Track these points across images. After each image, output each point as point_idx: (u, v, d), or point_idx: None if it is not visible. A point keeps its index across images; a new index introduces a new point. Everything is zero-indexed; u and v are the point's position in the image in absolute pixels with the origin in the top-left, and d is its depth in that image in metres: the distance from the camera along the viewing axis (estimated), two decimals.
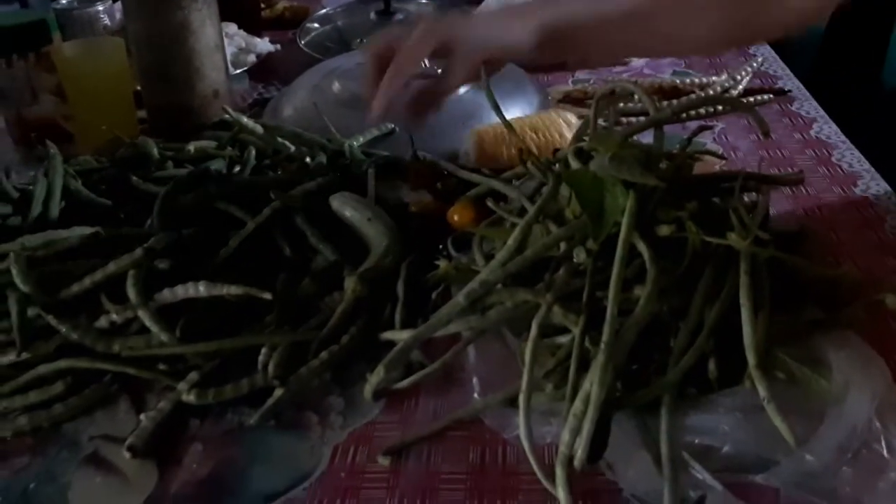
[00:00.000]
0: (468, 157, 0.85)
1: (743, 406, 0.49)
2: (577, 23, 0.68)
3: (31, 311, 0.61)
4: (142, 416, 0.56)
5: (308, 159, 0.78)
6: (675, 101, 0.91)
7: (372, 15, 1.22)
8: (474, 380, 0.55)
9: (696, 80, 1.01)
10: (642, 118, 0.93)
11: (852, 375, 0.48)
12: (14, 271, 0.62)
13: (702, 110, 0.94)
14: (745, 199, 0.64)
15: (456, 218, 0.73)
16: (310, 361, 0.57)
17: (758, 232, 0.52)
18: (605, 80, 1.07)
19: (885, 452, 0.45)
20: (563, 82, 1.09)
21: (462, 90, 0.93)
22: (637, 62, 1.13)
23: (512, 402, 0.52)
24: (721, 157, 0.75)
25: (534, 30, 0.67)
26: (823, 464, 0.46)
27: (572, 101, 1.02)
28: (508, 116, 0.88)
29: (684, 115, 0.71)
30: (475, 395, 0.54)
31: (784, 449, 0.46)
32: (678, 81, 1.01)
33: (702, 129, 0.67)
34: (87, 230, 0.68)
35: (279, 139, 0.83)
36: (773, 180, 0.66)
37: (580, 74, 1.11)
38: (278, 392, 0.55)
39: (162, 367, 0.59)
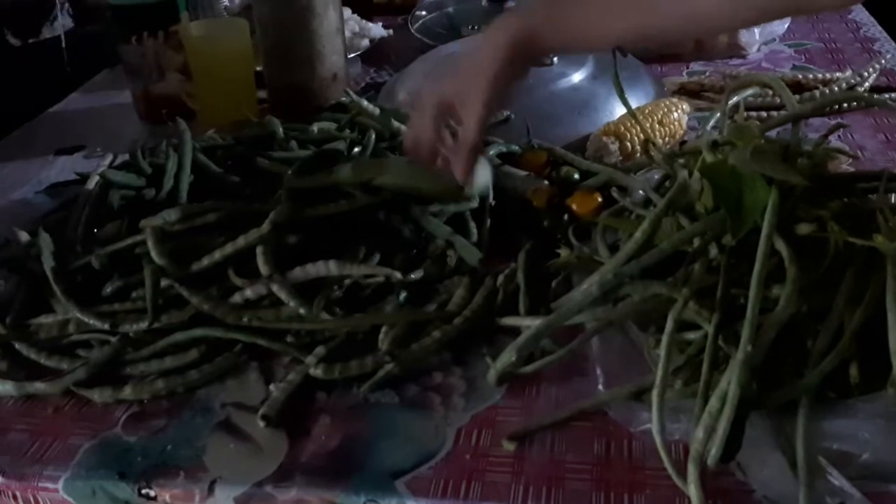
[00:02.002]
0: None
1: (885, 413, 0.47)
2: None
3: (165, 283, 0.64)
4: (272, 387, 0.58)
5: None
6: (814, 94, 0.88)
7: (484, 2, 1.22)
8: (598, 371, 0.55)
9: (819, 76, 0.98)
10: (775, 113, 0.91)
11: None
12: (150, 244, 0.65)
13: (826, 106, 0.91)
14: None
15: (575, 207, 0.73)
16: (422, 339, 0.58)
17: None
18: (721, 72, 1.04)
19: None
20: (677, 73, 1.07)
21: (578, 79, 0.93)
22: (755, 55, 1.10)
23: (638, 396, 0.51)
24: (852, 156, 0.72)
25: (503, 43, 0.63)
26: None
27: (687, 92, 1.00)
28: (622, 108, 0.88)
29: (826, 109, 0.68)
30: (599, 386, 0.54)
31: None
32: (801, 76, 0.98)
33: (838, 126, 0.65)
34: (225, 204, 0.70)
35: (395, 122, 0.84)
36: None
37: (695, 66, 1.09)
38: (388, 366, 0.57)
39: (290, 339, 0.61)
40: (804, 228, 0.53)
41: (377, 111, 0.86)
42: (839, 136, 0.87)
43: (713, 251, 0.55)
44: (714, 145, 0.60)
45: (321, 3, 0.90)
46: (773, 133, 0.66)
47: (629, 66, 0.98)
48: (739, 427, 0.46)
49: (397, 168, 0.71)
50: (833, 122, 0.89)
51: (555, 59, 0.94)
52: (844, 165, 0.80)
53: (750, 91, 0.76)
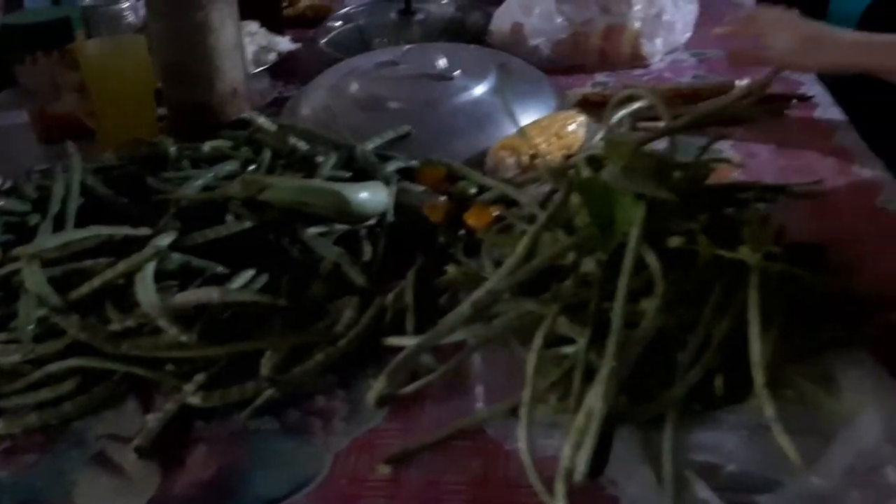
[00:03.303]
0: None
1: (749, 424, 0.48)
2: None
3: (42, 311, 0.62)
4: (148, 417, 0.56)
5: (321, 159, 0.78)
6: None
7: (393, 14, 1.22)
8: (479, 389, 0.55)
9: (717, 86, 1.00)
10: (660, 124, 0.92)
11: (864, 397, 0.48)
12: (25, 272, 0.63)
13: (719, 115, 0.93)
14: (763, 209, 0.64)
15: (471, 221, 0.73)
16: (304, 363, 0.57)
17: (769, 246, 0.51)
18: (624, 83, 1.06)
19: (894, 478, 0.44)
20: (582, 84, 1.08)
21: (479, 92, 0.93)
22: (658, 65, 1.12)
23: (515, 413, 0.51)
24: (737, 165, 0.74)
25: None
26: (830, 486, 0.45)
27: (590, 103, 1.01)
28: (524, 120, 0.89)
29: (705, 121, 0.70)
30: (479, 404, 0.54)
31: (790, 470, 0.45)
32: (698, 86, 1.00)
33: (718, 137, 0.66)
34: (104, 230, 0.68)
35: (293, 139, 0.83)
36: (790, 192, 0.65)
37: (600, 77, 1.10)
38: (268, 392, 0.56)
39: (170, 367, 0.59)
40: (674, 241, 0.54)
41: (274, 128, 0.85)
42: (733, 144, 0.89)
43: (590, 266, 0.55)
44: (591, 160, 0.61)
45: (218, 19, 0.89)
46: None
47: (531, 79, 1.00)
48: (606, 442, 0.46)
49: (286, 184, 0.70)
50: (727, 132, 0.92)
51: (456, 72, 0.94)
52: (735, 174, 0.81)
53: (638, 103, 0.77)
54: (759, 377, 0.47)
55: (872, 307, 0.56)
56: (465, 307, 0.52)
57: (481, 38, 1.16)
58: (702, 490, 0.46)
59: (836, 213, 0.75)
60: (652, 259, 0.52)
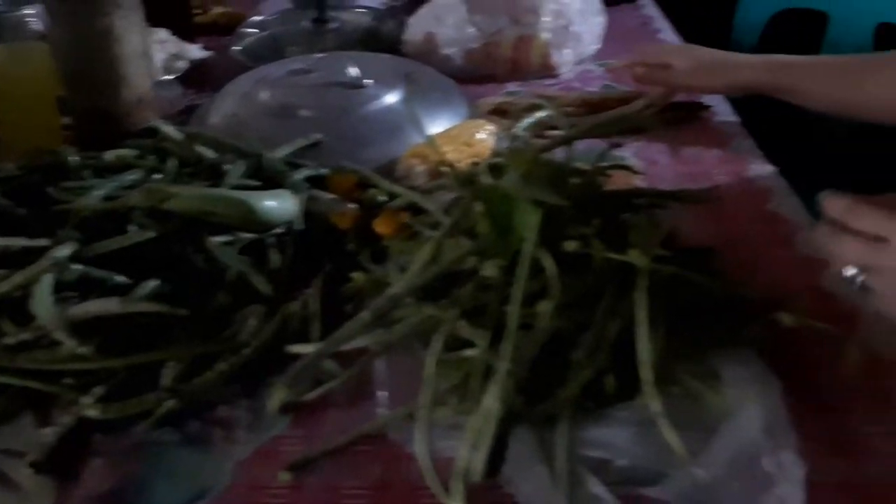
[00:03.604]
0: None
1: (639, 420, 0.50)
2: None
3: None
4: (44, 431, 0.55)
5: (229, 168, 0.78)
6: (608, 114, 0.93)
7: (307, 23, 1.22)
8: (382, 393, 0.56)
9: (622, 96, 1.03)
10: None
11: (745, 391, 0.50)
12: None
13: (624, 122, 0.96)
14: (659, 215, 0.66)
15: (380, 229, 0.74)
16: (206, 373, 0.57)
17: (657, 249, 0.54)
18: (535, 93, 1.08)
19: (771, 468, 0.47)
20: (494, 93, 1.10)
21: (391, 101, 0.94)
22: (567, 74, 1.15)
23: (415, 417, 0.52)
24: (635, 171, 0.76)
25: None
26: (713, 477, 0.47)
27: (501, 112, 1.03)
28: (434, 128, 0.90)
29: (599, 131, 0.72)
30: (382, 408, 0.55)
31: (676, 462, 0.48)
32: (603, 96, 1.03)
33: (613, 146, 0.69)
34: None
35: (201, 147, 0.82)
36: (682, 197, 0.68)
37: (511, 86, 1.12)
38: (168, 403, 0.55)
39: (68, 381, 0.58)
40: (570, 246, 0.56)
41: (181, 136, 0.84)
42: (636, 151, 0.92)
43: (491, 271, 0.57)
44: (493, 168, 0.63)
45: (122, 26, 0.87)
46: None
47: (442, 87, 1.01)
48: (502, 442, 0.48)
49: (190, 193, 0.70)
50: (632, 139, 0.95)
51: (368, 81, 0.95)
52: (636, 180, 0.84)
53: (542, 113, 0.80)
54: (646, 375, 0.49)
55: (759, 308, 0.59)
56: (365, 314, 0.53)
57: (396, 48, 1.17)
58: (594, 486, 0.48)
59: (730, 218, 0.79)
60: (548, 263, 0.54)
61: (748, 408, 0.49)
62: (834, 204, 0.53)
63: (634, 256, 0.53)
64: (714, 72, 0.94)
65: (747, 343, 0.55)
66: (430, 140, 0.82)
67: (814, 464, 0.47)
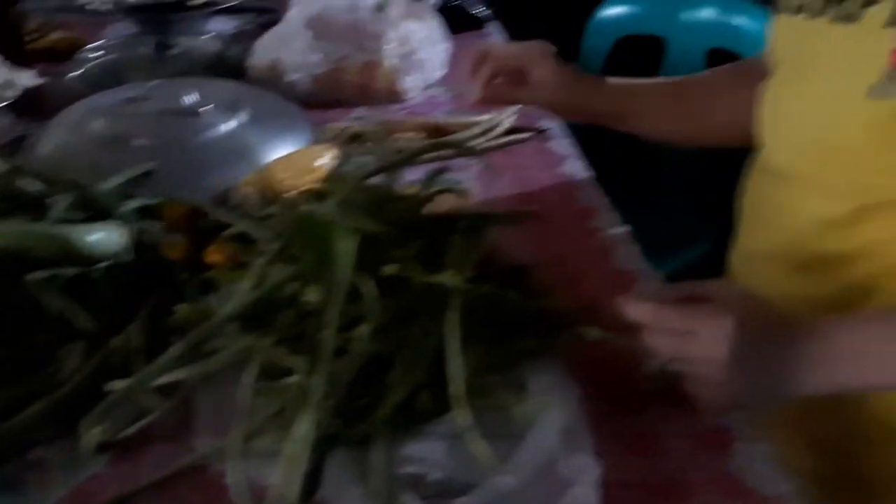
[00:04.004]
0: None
1: (452, 434, 0.52)
2: None
3: None
4: None
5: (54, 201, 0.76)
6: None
7: (147, 49, 1.20)
8: (203, 425, 0.56)
9: (464, 120, 1.07)
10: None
11: (547, 400, 0.53)
12: None
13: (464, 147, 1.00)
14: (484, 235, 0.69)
15: (212, 259, 0.73)
16: (21, 414, 0.55)
17: (471, 271, 0.56)
18: (381, 118, 1.10)
19: (568, 471, 0.50)
20: (341, 118, 1.11)
21: (230, 127, 0.94)
22: (414, 100, 1.18)
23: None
24: (462, 194, 0.79)
25: None
26: (519, 484, 0.50)
27: (347, 137, 1.05)
28: (276, 155, 0.91)
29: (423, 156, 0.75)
30: (204, 441, 0.55)
31: (486, 472, 0.50)
32: (444, 121, 1.07)
33: (439, 171, 0.71)
34: None
35: (25, 180, 0.79)
36: (504, 218, 0.71)
37: (359, 111, 1.14)
38: None
39: None
40: (389, 269, 0.58)
41: (4, 168, 0.81)
42: (475, 175, 0.96)
43: (312, 296, 0.58)
44: (316, 195, 0.64)
45: None
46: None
47: (286, 113, 1.01)
48: (318, 466, 0.49)
49: (6, 229, 0.68)
50: (472, 163, 0.98)
51: (205, 108, 0.94)
52: (473, 202, 0.88)
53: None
54: (456, 390, 0.52)
55: (568, 321, 0.62)
56: (178, 346, 0.53)
57: (242, 73, 1.17)
58: (411, 501, 0.50)
59: (556, 236, 0.83)
60: (367, 287, 0.56)
61: (549, 414, 0.52)
62: (639, 310, 0.57)
63: (447, 278, 0.56)
64: (575, 89, 0.86)
65: (553, 353, 0.58)
66: (266, 167, 0.83)
67: (612, 463, 0.51)
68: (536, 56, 0.84)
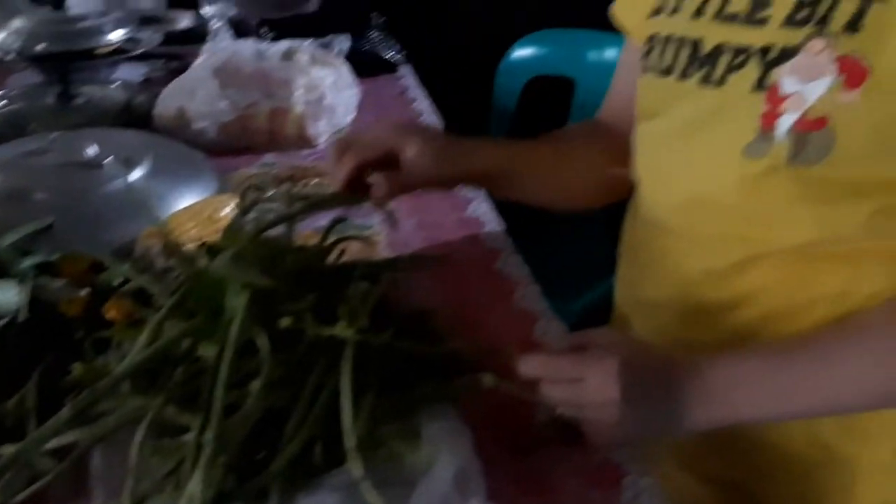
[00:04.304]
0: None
1: (347, 485, 0.53)
2: None
3: None
4: None
5: None
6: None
7: (51, 99, 1.18)
8: (99, 486, 0.55)
9: None
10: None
11: (441, 446, 0.54)
12: None
13: None
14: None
15: (111, 315, 0.72)
16: None
17: (362, 321, 0.57)
18: (290, 164, 1.11)
19: None
20: (249, 165, 1.12)
21: (133, 178, 0.93)
22: (324, 144, 1.19)
23: None
24: (366, 240, 0.81)
25: None
26: None
27: (255, 186, 1.05)
28: (181, 205, 0.91)
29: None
30: (98, 502, 0.54)
31: None
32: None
33: (337, 221, 0.73)
34: None
35: None
36: (405, 265, 0.73)
37: (268, 157, 1.15)
38: None
39: None
40: (284, 322, 0.58)
41: None
42: (383, 219, 0.97)
43: (206, 352, 0.58)
44: (210, 249, 0.64)
45: None
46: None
47: (191, 162, 1.01)
48: None
49: None
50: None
51: (107, 160, 0.94)
52: (382, 249, 0.89)
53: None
54: (349, 441, 0.53)
55: (466, 367, 0.64)
56: (69, 408, 0.52)
57: (148, 122, 1.16)
58: None
59: (460, 279, 0.85)
60: (261, 341, 0.56)
61: (441, 461, 0.53)
62: (529, 365, 0.60)
63: (340, 330, 0.57)
64: (452, 159, 0.78)
65: (449, 399, 0.59)
66: (168, 218, 0.83)
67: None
68: (403, 135, 0.76)
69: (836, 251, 0.64)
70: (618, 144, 0.83)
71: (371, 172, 0.74)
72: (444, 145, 0.78)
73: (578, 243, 1.78)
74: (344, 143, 0.77)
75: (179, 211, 0.87)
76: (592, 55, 1.88)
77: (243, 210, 0.76)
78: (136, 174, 0.93)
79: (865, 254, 0.64)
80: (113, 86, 1.26)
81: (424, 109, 1.38)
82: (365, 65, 1.45)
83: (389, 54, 1.53)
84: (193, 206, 0.89)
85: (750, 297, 0.68)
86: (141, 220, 0.89)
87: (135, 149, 0.98)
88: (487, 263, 0.88)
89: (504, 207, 1.03)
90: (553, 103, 1.87)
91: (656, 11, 0.79)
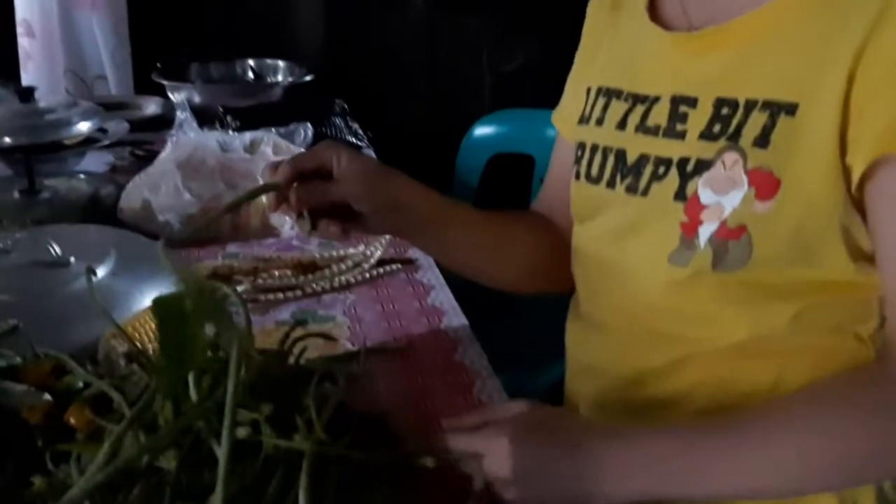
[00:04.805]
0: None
1: None
2: None
3: None
4: None
5: None
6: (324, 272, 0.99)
7: (16, 194, 1.20)
8: None
9: (335, 254, 1.11)
10: (289, 293, 1.01)
11: None
12: None
13: (335, 282, 1.04)
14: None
15: (73, 421, 0.73)
16: None
17: (319, 433, 0.59)
18: (255, 255, 1.13)
19: None
20: (213, 257, 1.14)
21: (98, 277, 0.94)
22: (288, 233, 1.21)
23: None
24: (331, 338, 0.82)
25: None
26: None
27: (220, 277, 1.07)
28: (145, 302, 0.92)
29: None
30: None
31: None
32: (317, 255, 1.10)
33: (298, 323, 0.74)
34: None
35: None
36: (366, 359, 0.75)
37: (232, 248, 1.17)
38: None
39: None
40: (241, 433, 0.60)
41: None
42: (345, 309, 0.99)
43: (170, 464, 0.59)
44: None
45: None
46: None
47: (152, 254, 1.02)
48: None
49: None
50: (342, 297, 1.02)
51: (72, 258, 0.95)
52: (344, 341, 0.91)
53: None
54: None
55: (428, 463, 0.65)
56: None
57: (114, 215, 1.18)
58: None
59: (420, 370, 0.87)
60: (220, 453, 0.57)
61: None
62: (455, 440, 0.64)
63: (298, 443, 0.58)
64: (382, 182, 0.81)
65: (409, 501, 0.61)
66: (131, 318, 0.84)
67: None
68: (338, 151, 0.79)
69: (764, 349, 0.67)
70: (557, 238, 0.87)
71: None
72: (378, 169, 0.82)
73: (545, 319, 1.81)
74: (275, 163, 0.80)
75: (142, 311, 0.88)
76: (551, 132, 1.95)
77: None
78: (100, 272, 0.94)
79: (793, 351, 0.67)
80: (79, 178, 1.28)
81: None
82: None
83: (352, 139, 1.58)
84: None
85: (685, 394, 0.70)
86: (105, 319, 0.90)
87: (99, 246, 0.99)
88: (447, 354, 0.90)
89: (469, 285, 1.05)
90: (514, 180, 1.92)
91: (583, 119, 0.83)
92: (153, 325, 0.86)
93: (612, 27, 0.86)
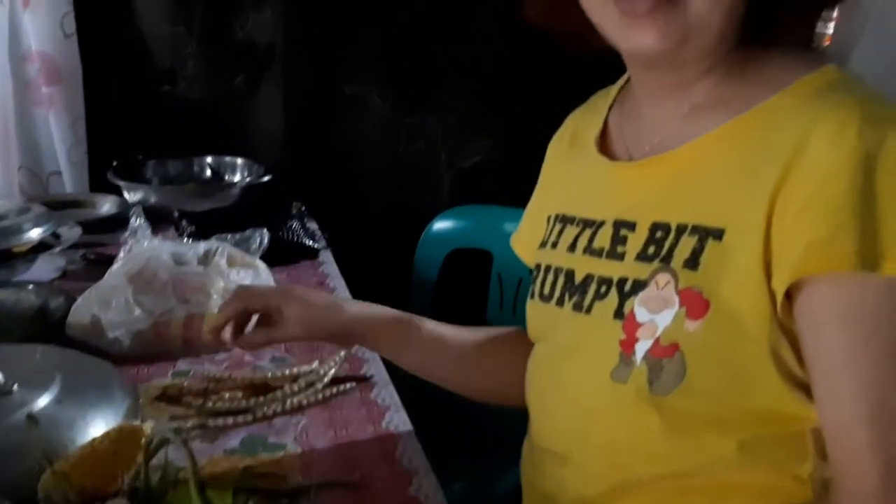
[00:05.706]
0: None
1: None
2: None
3: None
4: None
5: None
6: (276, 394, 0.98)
7: None
8: None
9: (288, 372, 1.09)
10: (239, 417, 0.99)
11: None
12: None
13: (287, 404, 1.02)
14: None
15: None
16: None
17: None
18: (205, 374, 1.10)
19: None
20: (163, 374, 1.11)
21: (39, 407, 0.91)
22: (238, 350, 1.19)
23: None
24: (277, 476, 0.81)
25: None
26: None
27: (168, 398, 1.04)
28: (92, 432, 0.89)
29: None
30: None
31: None
32: (269, 375, 1.08)
33: (247, 470, 0.73)
34: None
35: None
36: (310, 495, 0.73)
37: (182, 364, 1.14)
38: None
39: None
40: None
41: None
42: (297, 436, 0.97)
43: None
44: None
45: None
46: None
47: (99, 375, 1.00)
48: None
49: None
50: (294, 421, 1.00)
51: (15, 386, 0.92)
52: (295, 473, 0.89)
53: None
54: None
55: None
56: None
57: (61, 330, 1.15)
58: None
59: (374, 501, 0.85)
60: None
61: None
62: None
63: None
64: (320, 324, 0.94)
65: None
66: (70, 457, 0.82)
67: None
68: (286, 297, 0.94)
69: (704, 483, 0.68)
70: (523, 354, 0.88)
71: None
72: (327, 314, 0.94)
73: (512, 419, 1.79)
74: (238, 291, 0.97)
75: (83, 447, 0.85)
76: (509, 227, 1.97)
77: (147, 457, 0.75)
78: (43, 401, 0.91)
79: (735, 486, 0.67)
80: (27, 289, 1.25)
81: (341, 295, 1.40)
82: (285, 254, 1.49)
83: (310, 241, 1.57)
84: (95, 442, 0.86)
85: None
86: (48, 453, 0.86)
87: (44, 370, 0.96)
88: (401, 486, 0.88)
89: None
90: (472, 275, 1.93)
91: (542, 244, 0.87)
92: (93, 464, 0.83)
93: (568, 160, 0.92)
